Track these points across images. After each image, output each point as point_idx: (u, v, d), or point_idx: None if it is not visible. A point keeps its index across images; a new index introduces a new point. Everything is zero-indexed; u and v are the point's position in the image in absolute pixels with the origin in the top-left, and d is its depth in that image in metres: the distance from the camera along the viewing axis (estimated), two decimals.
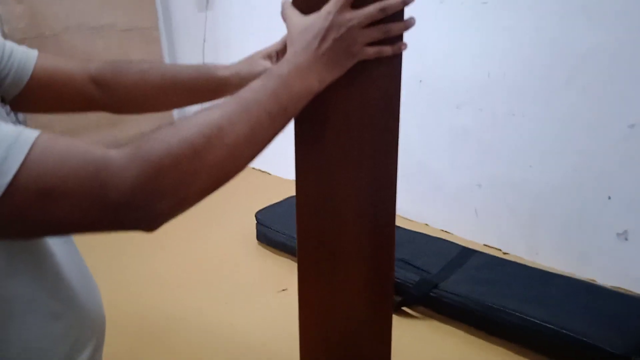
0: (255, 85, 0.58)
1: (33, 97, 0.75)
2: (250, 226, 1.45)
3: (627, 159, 1.12)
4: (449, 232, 1.45)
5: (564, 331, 0.89)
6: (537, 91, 1.21)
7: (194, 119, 0.52)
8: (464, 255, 1.17)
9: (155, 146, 0.48)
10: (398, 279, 1.11)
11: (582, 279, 1.12)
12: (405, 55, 0.64)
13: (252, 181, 1.90)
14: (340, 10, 0.61)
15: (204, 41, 2.07)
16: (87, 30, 1.98)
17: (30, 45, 0.78)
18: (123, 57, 2.11)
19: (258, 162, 2.03)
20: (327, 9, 0.62)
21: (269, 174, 2.00)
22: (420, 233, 1.32)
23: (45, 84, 0.76)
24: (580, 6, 1.10)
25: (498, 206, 1.37)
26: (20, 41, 2.19)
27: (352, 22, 0.61)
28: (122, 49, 2.09)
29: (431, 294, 1.06)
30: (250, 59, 0.84)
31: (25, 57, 0.73)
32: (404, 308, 1.10)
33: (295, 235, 0.72)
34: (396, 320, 1.07)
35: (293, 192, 0.71)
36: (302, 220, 0.71)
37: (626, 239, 1.15)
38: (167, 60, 2.25)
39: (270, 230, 1.36)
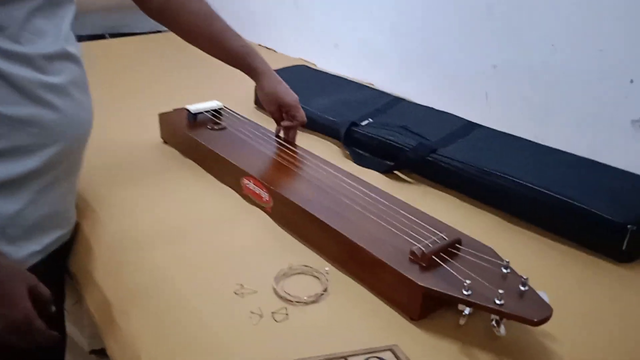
0: None
1: None
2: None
3: None
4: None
5: (561, 197, 0.85)
6: None
7: None
8: (469, 127, 1.11)
9: None
10: (395, 142, 1.06)
11: None
12: None
13: None
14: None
15: None
16: None
17: None
18: None
19: (263, 38, 1.95)
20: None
21: (275, 51, 1.92)
22: (425, 106, 1.25)
23: None
24: None
25: (511, 91, 1.29)
26: None
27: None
28: None
29: (428, 158, 1.01)
30: (277, 89, 1.02)
31: None
32: (397, 172, 1.06)
33: None
34: (388, 183, 1.04)
35: None
36: None
37: None
38: None
39: None
